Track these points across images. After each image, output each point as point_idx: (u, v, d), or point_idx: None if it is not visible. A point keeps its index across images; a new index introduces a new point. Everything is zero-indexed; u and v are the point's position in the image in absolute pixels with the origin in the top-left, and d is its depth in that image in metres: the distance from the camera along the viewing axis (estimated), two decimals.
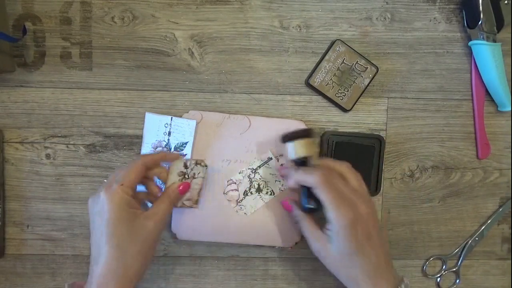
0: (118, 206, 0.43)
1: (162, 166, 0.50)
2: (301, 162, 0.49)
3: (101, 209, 0.43)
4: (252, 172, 0.54)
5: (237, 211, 0.54)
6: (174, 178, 0.50)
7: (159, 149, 0.54)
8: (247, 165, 0.54)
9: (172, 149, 0.53)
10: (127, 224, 0.43)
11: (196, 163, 0.51)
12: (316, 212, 0.48)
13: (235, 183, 0.54)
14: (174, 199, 0.49)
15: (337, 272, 0.47)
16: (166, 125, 0.53)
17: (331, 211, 0.45)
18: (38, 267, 0.55)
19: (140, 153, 0.54)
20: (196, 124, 0.53)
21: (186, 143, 0.53)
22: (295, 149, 0.49)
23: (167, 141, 0.53)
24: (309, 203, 0.48)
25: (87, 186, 0.54)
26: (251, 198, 0.54)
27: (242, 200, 0.54)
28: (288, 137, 0.49)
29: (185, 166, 0.51)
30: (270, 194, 0.54)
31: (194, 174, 0.51)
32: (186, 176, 0.51)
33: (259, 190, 0.54)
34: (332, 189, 0.45)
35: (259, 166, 0.54)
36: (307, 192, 0.48)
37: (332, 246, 0.45)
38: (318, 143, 0.55)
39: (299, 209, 0.50)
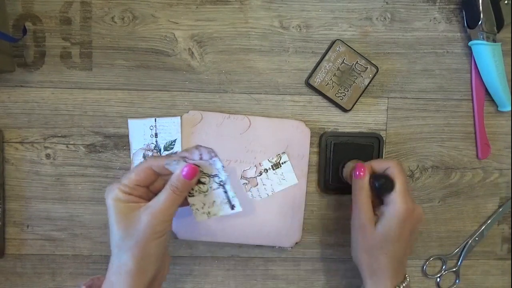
0: (113, 201, 0.42)
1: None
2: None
3: (107, 206, 0.43)
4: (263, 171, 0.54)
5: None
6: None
7: (148, 153, 0.53)
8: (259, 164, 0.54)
9: (162, 150, 0.53)
10: (123, 219, 0.41)
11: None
12: (383, 192, 0.47)
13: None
14: (180, 187, 0.42)
15: (364, 254, 0.47)
16: (152, 127, 0.53)
17: (399, 196, 0.46)
18: (38, 267, 0.55)
19: (130, 157, 0.54)
20: (181, 120, 0.53)
21: (174, 140, 0.53)
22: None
23: (155, 142, 0.53)
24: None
25: (87, 186, 0.54)
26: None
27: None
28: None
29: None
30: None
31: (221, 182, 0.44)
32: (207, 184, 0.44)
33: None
34: (405, 177, 0.48)
35: (272, 167, 0.54)
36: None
37: (379, 225, 0.47)
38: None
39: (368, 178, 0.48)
